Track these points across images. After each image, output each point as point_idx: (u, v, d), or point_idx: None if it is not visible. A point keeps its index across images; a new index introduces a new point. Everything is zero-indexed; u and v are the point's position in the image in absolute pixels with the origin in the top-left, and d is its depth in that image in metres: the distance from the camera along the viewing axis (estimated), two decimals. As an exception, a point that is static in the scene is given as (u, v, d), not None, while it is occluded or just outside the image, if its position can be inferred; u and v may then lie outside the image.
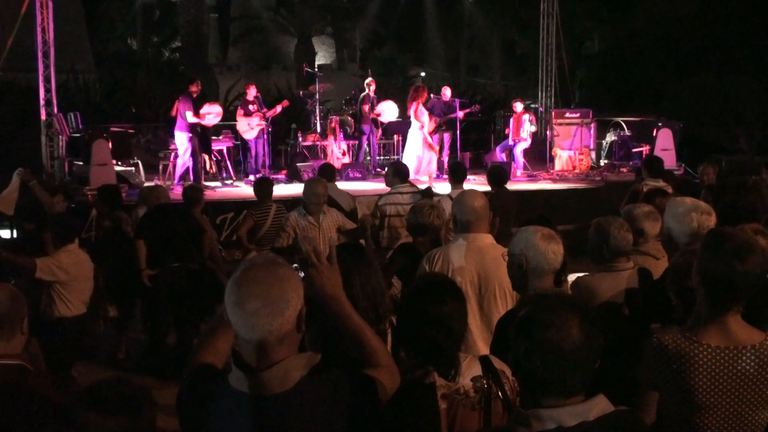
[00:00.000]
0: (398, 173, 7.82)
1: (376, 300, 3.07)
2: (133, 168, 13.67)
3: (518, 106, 14.79)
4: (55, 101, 13.57)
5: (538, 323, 1.96)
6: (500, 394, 2.72)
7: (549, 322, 1.95)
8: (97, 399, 2.18)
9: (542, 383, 1.96)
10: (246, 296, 2.02)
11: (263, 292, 2.02)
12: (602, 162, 16.17)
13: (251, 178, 13.10)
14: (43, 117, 13.40)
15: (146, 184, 12.18)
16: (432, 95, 16.08)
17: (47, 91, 13.44)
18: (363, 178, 13.84)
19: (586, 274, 4.19)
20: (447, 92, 14.97)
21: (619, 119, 16.62)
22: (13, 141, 18.41)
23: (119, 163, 13.34)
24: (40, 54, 13.31)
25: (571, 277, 4.48)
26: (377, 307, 3.10)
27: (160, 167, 13.62)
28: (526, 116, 14.53)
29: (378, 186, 12.30)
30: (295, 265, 2.26)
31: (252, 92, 13.78)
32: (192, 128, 12.30)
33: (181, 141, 12.40)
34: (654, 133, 15.07)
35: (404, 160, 12.89)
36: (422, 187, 8.01)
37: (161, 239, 7.10)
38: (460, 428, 2.66)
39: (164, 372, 6.72)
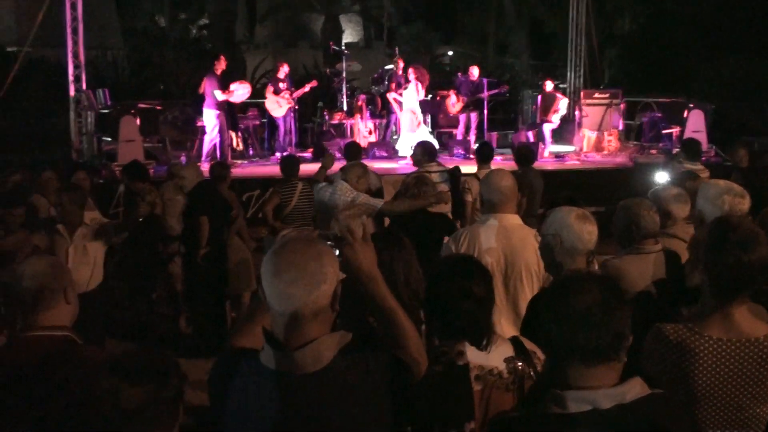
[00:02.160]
0: (426, 152, 7.78)
1: (418, 288, 3.09)
2: (160, 144, 13.75)
3: (548, 85, 14.64)
4: (84, 77, 13.64)
5: (559, 289, 2.03)
6: (533, 374, 2.72)
7: (568, 286, 2.00)
8: (124, 368, 2.19)
9: (561, 346, 1.96)
10: (284, 266, 2.02)
11: (301, 263, 2.02)
12: (631, 143, 15.97)
13: (278, 155, 13.12)
14: (72, 93, 13.48)
15: (173, 160, 12.25)
16: (459, 74, 16.01)
17: (76, 67, 13.51)
18: (389, 158, 13.80)
19: (614, 256, 4.15)
20: (475, 71, 14.89)
21: (650, 100, 16.39)
22: (43, 117, 18.63)
23: (147, 139, 13.43)
24: (69, 30, 13.37)
25: (599, 260, 4.44)
26: (418, 295, 3.13)
27: (187, 144, 13.67)
28: (564, 101, 14.39)
29: (404, 165, 12.27)
30: (330, 242, 2.25)
31: (284, 70, 13.79)
32: (220, 105, 12.32)
33: (210, 118, 12.42)
34: (685, 115, 14.84)
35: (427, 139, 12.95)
36: (450, 166, 7.96)
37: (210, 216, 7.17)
38: (494, 409, 2.66)
39: (199, 348, 6.83)
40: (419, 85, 13.66)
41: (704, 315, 2.68)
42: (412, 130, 13.66)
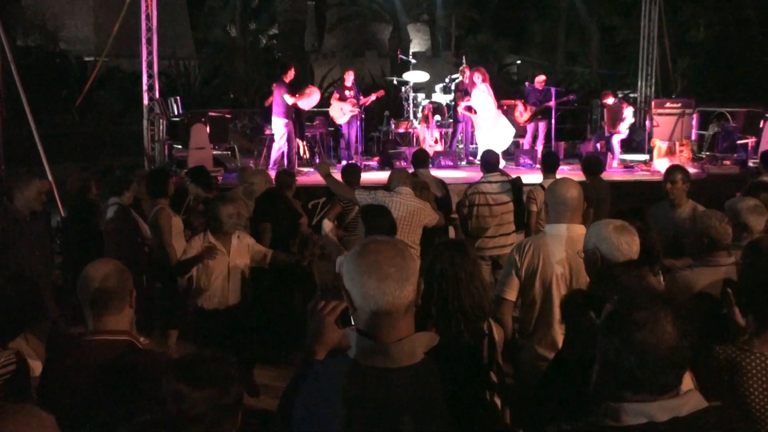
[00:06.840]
0: (484, 164, 7.76)
1: (481, 297, 3.06)
2: (229, 152, 13.99)
3: (609, 100, 14.26)
4: (157, 86, 13.97)
5: (630, 322, 1.88)
6: None
7: (641, 321, 1.86)
8: (187, 371, 2.23)
9: (635, 382, 1.88)
10: (375, 265, 2.06)
11: (390, 260, 2.07)
12: (704, 154, 15.54)
13: (344, 163, 13.21)
14: (146, 101, 13.80)
15: (243, 166, 12.44)
16: (527, 83, 15.86)
17: (150, 76, 13.84)
18: (454, 167, 13.76)
19: (684, 268, 4.04)
20: (541, 80, 14.72)
21: (724, 110, 15.94)
22: (118, 124, 19.19)
23: (216, 147, 13.68)
24: (144, 40, 13.71)
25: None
26: (482, 304, 3.09)
27: (255, 152, 13.88)
28: (629, 109, 14.06)
29: (470, 174, 12.21)
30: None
31: (350, 78, 13.92)
32: (288, 114, 12.48)
33: (278, 127, 12.58)
34: (761, 125, 14.40)
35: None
36: (513, 175, 7.87)
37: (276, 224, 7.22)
38: None
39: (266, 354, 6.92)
40: (487, 85, 13.40)
41: (754, 332, 2.64)
42: (491, 128, 13.48)
